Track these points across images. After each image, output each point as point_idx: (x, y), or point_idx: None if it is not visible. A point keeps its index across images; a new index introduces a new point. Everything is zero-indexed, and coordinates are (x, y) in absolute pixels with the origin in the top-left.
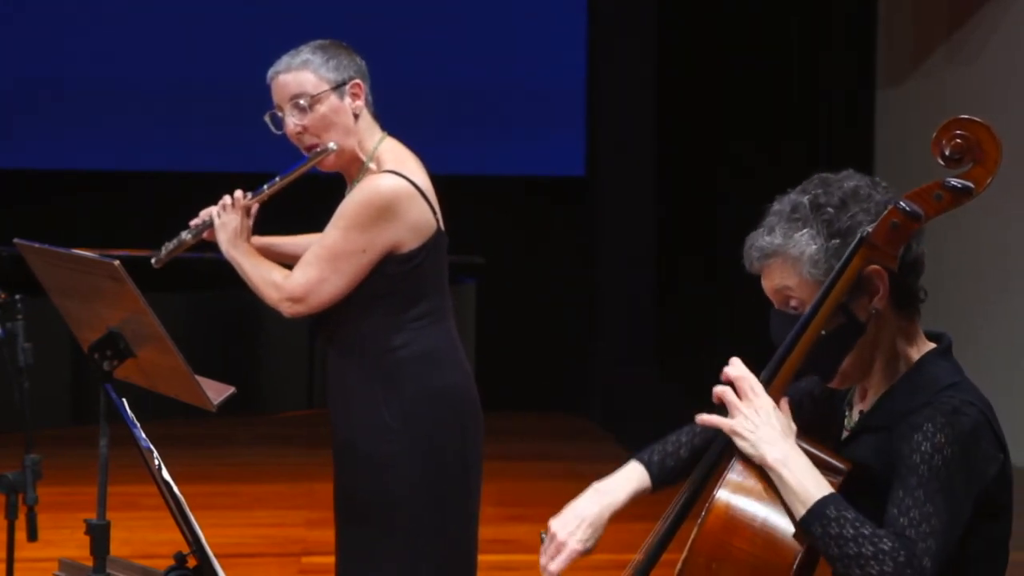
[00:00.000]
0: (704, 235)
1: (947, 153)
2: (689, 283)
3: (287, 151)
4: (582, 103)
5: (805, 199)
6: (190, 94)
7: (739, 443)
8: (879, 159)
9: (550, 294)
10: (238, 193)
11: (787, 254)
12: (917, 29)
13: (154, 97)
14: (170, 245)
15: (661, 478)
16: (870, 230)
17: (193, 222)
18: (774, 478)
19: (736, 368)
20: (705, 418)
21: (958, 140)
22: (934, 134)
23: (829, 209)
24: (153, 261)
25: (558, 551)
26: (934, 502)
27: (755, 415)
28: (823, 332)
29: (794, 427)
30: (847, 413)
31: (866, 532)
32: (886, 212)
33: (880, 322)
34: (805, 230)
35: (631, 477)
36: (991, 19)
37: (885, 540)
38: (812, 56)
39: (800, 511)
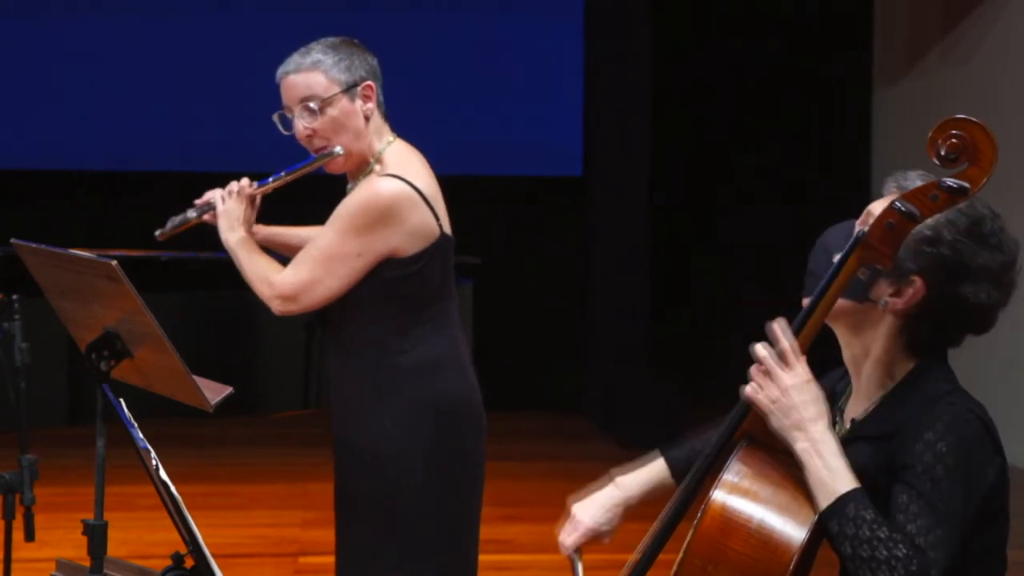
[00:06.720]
0: (701, 235)
1: (943, 153)
2: (686, 282)
3: (287, 152)
4: (579, 103)
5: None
6: (190, 93)
7: (771, 422)
8: (875, 159)
9: (547, 294)
10: (244, 181)
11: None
12: (913, 29)
13: (154, 96)
14: (175, 220)
15: (684, 474)
16: (866, 230)
17: (198, 201)
18: (801, 465)
19: (781, 330)
20: (748, 393)
21: (954, 140)
22: (930, 134)
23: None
24: (157, 234)
25: (575, 529)
26: (937, 511)
27: (785, 397)
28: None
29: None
30: (838, 420)
31: (882, 536)
32: (881, 212)
33: (882, 319)
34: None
35: (650, 473)
36: (986, 19)
37: (900, 547)
38: (808, 55)
39: (822, 504)
